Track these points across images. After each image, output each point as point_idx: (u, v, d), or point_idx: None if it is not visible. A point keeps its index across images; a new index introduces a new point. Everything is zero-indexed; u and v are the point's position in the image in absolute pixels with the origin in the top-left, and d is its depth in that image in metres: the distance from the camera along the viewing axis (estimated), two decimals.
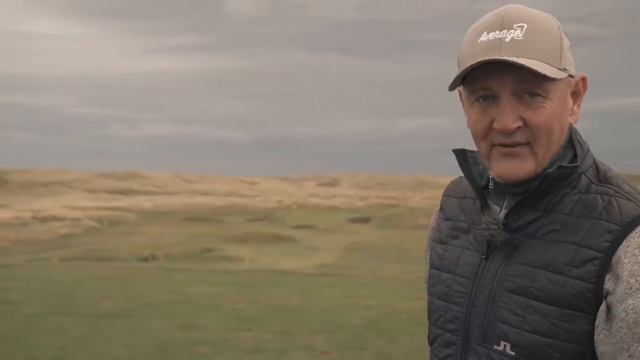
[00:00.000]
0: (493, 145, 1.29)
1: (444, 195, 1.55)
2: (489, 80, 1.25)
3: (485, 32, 1.26)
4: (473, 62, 1.24)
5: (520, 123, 1.25)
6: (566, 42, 1.29)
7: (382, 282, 15.92)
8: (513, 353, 1.26)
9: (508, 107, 1.25)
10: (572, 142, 1.34)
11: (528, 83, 1.23)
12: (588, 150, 1.34)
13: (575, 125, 1.35)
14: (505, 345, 1.28)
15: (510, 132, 1.25)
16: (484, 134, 1.29)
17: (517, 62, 1.20)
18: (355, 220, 55.71)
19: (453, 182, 1.56)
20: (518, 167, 1.27)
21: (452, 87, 1.31)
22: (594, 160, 1.34)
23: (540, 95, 1.24)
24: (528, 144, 1.26)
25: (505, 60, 1.21)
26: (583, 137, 1.37)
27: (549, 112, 1.25)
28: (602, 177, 1.30)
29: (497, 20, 1.26)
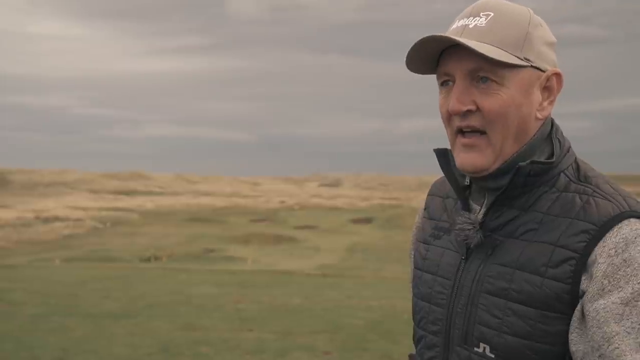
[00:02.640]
0: (456, 135, 1.30)
1: (429, 194, 1.55)
2: (448, 64, 1.28)
3: (458, 20, 1.30)
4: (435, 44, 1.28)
5: (471, 106, 1.26)
6: (540, 37, 1.28)
7: (384, 282, 15.92)
8: (492, 355, 1.26)
9: (459, 90, 1.26)
10: (552, 140, 1.33)
11: (482, 68, 1.24)
12: (569, 149, 1.33)
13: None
14: (484, 348, 1.27)
15: (461, 115, 1.27)
16: (446, 119, 1.31)
17: (457, 40, 1.22)
18: (357, 221, 55.73)
19: (437, 182, 1.55)
20: (475, 158, 1.28)
21: (408, 65, 1.32)
22: (575, 159, 1.32)
23: (495, 81, 1.24)
24: (485, 133, 1.27)
25: (448, 38, 1.24)
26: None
27: (503, 99, 1.25)
28: (582, 176, 1.29)
29: (470, 9, 1.30)
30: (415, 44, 1.27)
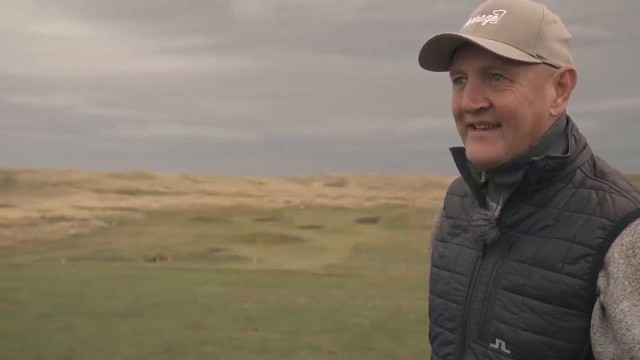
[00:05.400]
0: (467, 128, 1.31)
1: (448, 193, 1.55)
2: (460, 62, 1.29)
3: (472, 17, 1.31)
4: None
5: (484, 104, 1.26)
6: (554, 33, 1.29)
7: (389, 282, 15.92)
8: (508, 351, 1.25)
9: (471, 87, 1.27)
10: (567, 136, 1.33)
11: (494, 65, 1.25)
12: (585, 145, 1.33)
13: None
14: (500, 344, 1.27)
15: (473, 112, 1.28)
16: (458, 115, 1.31)
17: (469, 39, 1.23)
18: (362, 221, 55.77)
19: (456, 181, 1.54)
20: (486, 149, 1.28)
21: (421, 64, 1.33)
22: (592, 156, 1.32)
23: (507, 78, 1.25)
24: (499, 126, 1.27)
25: (460, 37, 1.25)
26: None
27: (515, 96, 1.25)
28: (598, 172, 1.29)
29: (482, 7, 1.31)
30: (427, 43, 1.28)
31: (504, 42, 1.24)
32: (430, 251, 1.55)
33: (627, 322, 1.15)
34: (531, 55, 1.25)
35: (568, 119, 1.34)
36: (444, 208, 1.54)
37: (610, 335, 1.18)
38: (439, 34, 1.26)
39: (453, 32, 1.26)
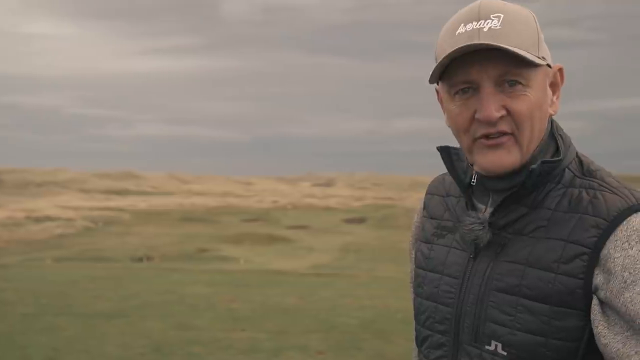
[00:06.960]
0: (476, 139, 1.27)
1: (427, 193, 1.54)
2: (469, 71, 1.24)
3: (462, 25, 1.25)
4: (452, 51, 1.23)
5: (503, 112, 1.24)
6: (542, 33, 1.28)
7: (377, 282, 15.93)
8: (505, 353, 1.25)
9: (490, 97, 1.23)
10: (554, 136, 1.33)
11: (509, 71, 1.23)
12: (570, 143, 1.33)
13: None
14: (496, 345, 1.26)
15: (493, 122, 1.24)
16: (466, 127, 1.27)
17: (501, 46, 1.19)
18: (350, 221, 55.82)
19: (435, 180, 1.54)
20: (503, 157, 1.26)
21: (432, 80, 1.30)
22: (577, 153, 1.33)
23: (522, 83, 1.23)
24: (512, 134, 1.25)
25: (488, 45, 1.20)
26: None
27: (530, 100, 1.24)
28: (585, 170, 1.30)
29: (473, 12, 1.25)
30: (447, 56, 1.23)
31: (516, 47, 1.21)
32: (413, 252, 1.53)
33: (629, 314, 1.15)
34: (538, 57, 1.25)
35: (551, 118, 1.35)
36: (424, 208, 1.53)
37: (617, 329, 1.17)
38: (462, 44, 1.21)
39: (475, 42, 1.21)
